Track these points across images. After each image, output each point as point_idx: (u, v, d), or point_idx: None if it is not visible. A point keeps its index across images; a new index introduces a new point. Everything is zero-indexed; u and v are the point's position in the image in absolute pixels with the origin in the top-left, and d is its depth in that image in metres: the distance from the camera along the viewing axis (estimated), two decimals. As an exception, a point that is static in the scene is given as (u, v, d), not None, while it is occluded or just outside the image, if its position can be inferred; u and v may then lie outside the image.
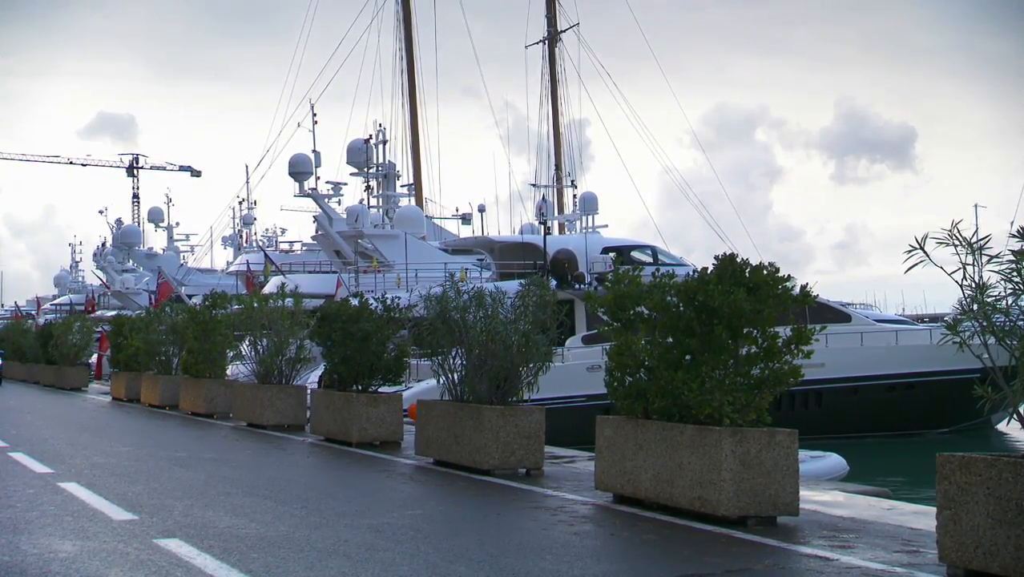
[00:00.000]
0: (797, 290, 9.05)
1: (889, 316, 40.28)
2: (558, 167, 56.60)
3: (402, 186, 51.51)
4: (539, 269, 32.76)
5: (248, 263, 51.96)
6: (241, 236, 78.28)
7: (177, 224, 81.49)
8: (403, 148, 53.53)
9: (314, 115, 47.23)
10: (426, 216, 51.04)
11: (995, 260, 6.45)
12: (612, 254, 37.88)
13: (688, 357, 9.03)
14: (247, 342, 19.97)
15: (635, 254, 39.67)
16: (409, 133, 53.68)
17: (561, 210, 53.20)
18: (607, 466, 9.82)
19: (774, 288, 8.81)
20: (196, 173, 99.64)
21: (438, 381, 13.38)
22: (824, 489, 10.92)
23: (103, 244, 78.54)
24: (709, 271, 9.11)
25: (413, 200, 51.98)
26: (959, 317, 6.60)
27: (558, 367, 22.38)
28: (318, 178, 47.08)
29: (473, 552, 7.46)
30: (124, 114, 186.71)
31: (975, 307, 6.48)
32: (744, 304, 8.66)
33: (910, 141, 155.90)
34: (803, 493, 8.89)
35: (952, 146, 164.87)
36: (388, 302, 15.80)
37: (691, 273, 9.47)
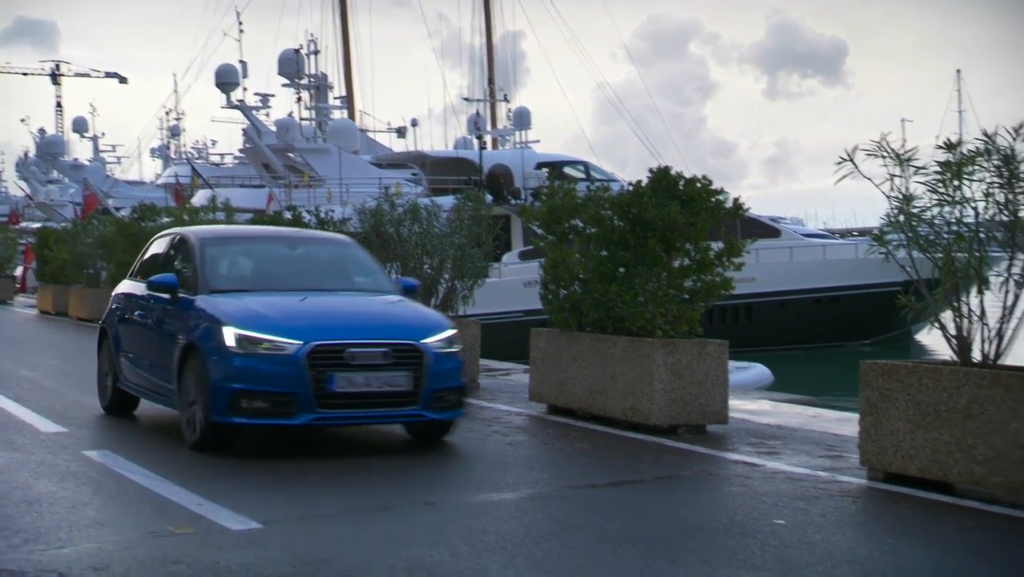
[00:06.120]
0: (730, 203, 9.14)
1: (815, 231, 40.96)
2: (491, 81, 56.00)
3: (335, 99, 50.63)
4: (474, 184, 32.62)
5: (177, 175, 50.90)
6: (169, 148, 76.61)
7: (103, 135, 79.43)
8: (335, 60, 52.50)
9: (240, 24, 46.06)
10: (359, 130, 50.29)
11: (921, 171, 6.59)
12: (546, 169, 37.86)
13: (622, 270, 9.12)
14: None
15: (568, 170, 39.63)
16: (340, 44, 52.60)
17: (494, 125, 52.81)
18: (541, 378, 9.94)
19: (707, 201, 8.90)
20: (123, 80, 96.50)
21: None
22: (752, 398, 11.19)
23: (26, 154, 76.37)
24: (643, 184, 9.15)
25: (346, 113, 51.15)
26: (885, 229, 6.75)
27: (494, 282, 22.44)
28: (245, 89, 46.09)
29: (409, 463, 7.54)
30: (45, 20, 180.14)
31: (901, 218, 6.62)
32: (678, 216, 8.74)
33: (841, 56, 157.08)
34: (732, 402, 9.10)
35: (882, 61, 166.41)
36: (322, 216, 15.65)
37: (624, 188, 9.51)
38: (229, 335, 7.51)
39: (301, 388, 7.31)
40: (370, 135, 53.50)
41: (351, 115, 51.80)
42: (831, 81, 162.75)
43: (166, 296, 8.46)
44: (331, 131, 46.38)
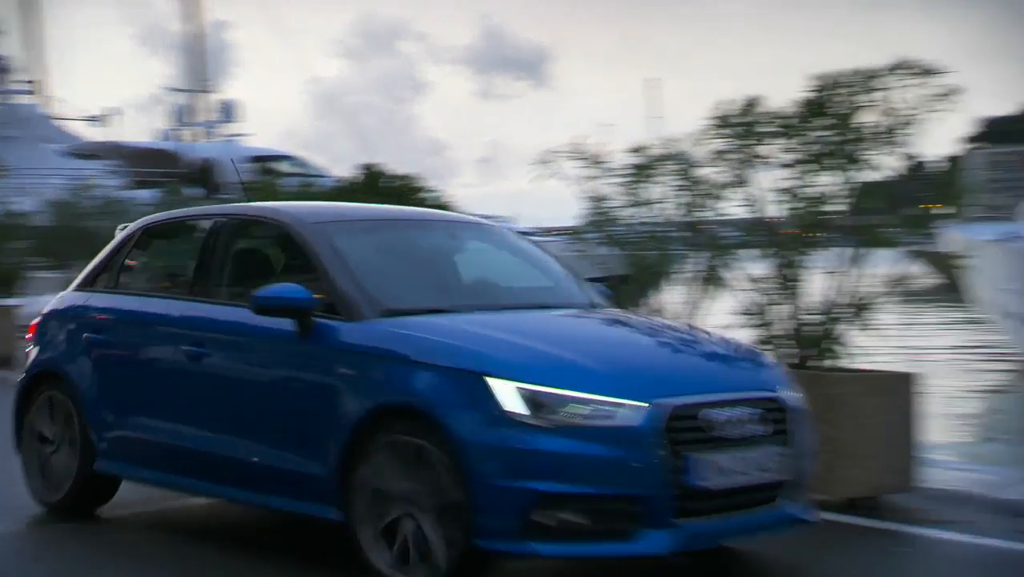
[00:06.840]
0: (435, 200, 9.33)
1: (526, 229, 42.50)
2: (197, 71, 54.07)
3: (22, 82, 47.20)
4: (180, 177, 31.43)
5: None
6: None
7: None
8: (21, 41, 48.91)
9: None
10: (50, 117, 47.17)
11: (614, 173, 6.98)
12: (257, 164, 37.07)
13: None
14: None
15: (277, 164, 39.06)
16: (24, 23, 49.08)
17: (201, 117, 51.07)
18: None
19: (410, 197, 9.06)
20: None
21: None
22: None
23: None
24: (354, 180, 9.18)
25: (34, 98, 47.78)
26: (581, 228, 7.12)
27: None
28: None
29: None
30: None
31: (596, 217, 7.00)
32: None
33: (546, 60, 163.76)
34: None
35: (585, 66, 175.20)
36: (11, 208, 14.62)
37: (335, 184, 9.50)
38: (508, 393, 4.08)
39: (654, 485, 4.02)
40: (63, 123, 50.31)
41: (42, 101, 48.51)
42: (538, 84, 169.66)
43: (283, 325, 4.73)
44: (18, 117, 43.37)
